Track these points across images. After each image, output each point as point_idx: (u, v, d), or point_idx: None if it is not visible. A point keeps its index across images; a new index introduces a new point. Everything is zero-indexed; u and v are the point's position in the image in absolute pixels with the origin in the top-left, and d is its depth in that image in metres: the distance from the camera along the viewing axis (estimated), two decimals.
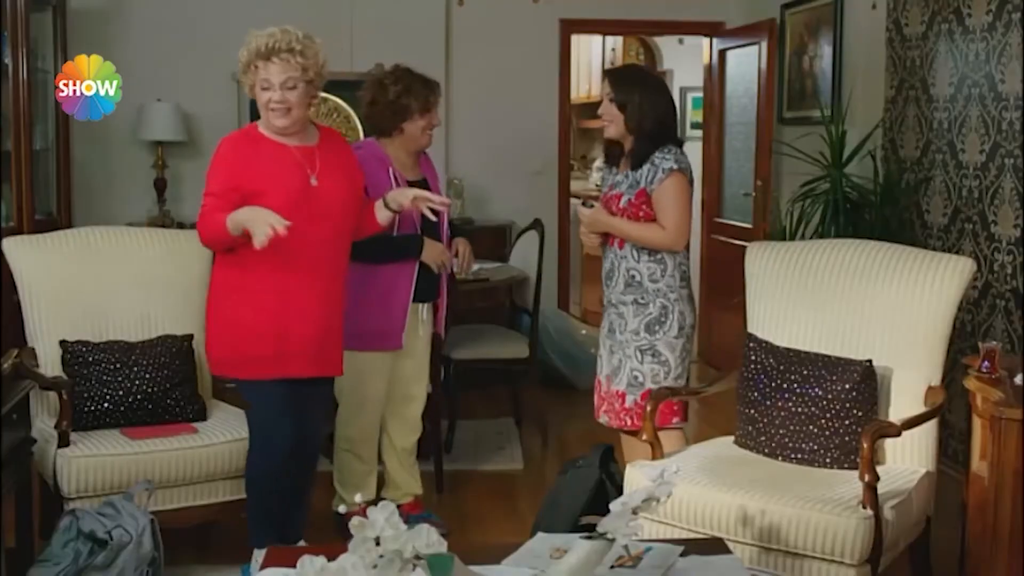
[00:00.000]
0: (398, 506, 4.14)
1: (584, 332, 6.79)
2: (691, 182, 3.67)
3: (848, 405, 3.30)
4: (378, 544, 1.97)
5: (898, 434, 3.20)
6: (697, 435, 3.76)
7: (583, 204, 3.78)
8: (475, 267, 4.55)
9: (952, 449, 4.67)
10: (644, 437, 3.47)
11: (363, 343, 3.88)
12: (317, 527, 3.97)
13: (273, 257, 3.19)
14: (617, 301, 3.72)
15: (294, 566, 2.03)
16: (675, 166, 3.58)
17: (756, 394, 3.46)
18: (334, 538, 3.71)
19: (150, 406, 3.74)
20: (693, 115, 9.13)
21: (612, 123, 3.68)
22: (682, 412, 3.74)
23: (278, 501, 3.47)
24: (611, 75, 3.77)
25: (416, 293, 3.97)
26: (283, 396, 3.36)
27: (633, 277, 3.67)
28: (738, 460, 3.42)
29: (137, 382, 3.74)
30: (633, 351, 3.67)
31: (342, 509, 3.77)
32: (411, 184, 3.87)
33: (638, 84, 3.67)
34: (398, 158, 3.96)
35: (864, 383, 3.31)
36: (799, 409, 3.37)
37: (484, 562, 2.38)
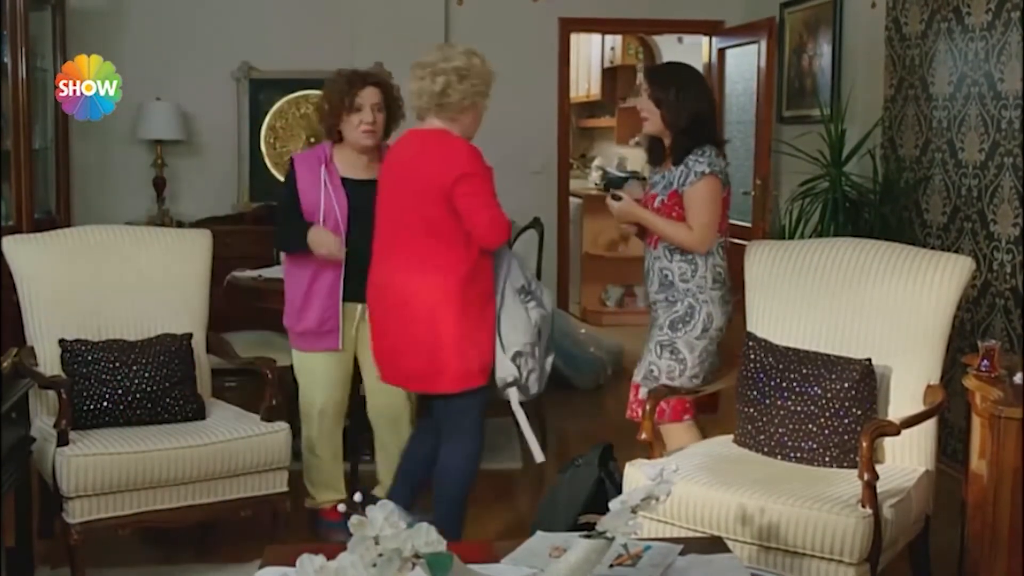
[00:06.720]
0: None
1: (584, 332, 6.78)
2: (725, 184, 3.70)
3: (847, 404, 3.30)
4: (377, 543, 1.97)
5: (897, 433, 3.20)
6: None
7: (611, 197, 3.81)
8: None
9: (951, 448, 4.67)
10: (643, 436, 3.47)
11: (304, 343, 3.96)
12: (296, 526, 3.95)
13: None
14: (653, 300, 3.80)
15: (293, 565, 2.02)
16: (707, 169, 3.61)
17: (755, 393, 3.46)
18: (307, 536, 3.74)
19: (149, 405, 3.74)
20: None
21: (649, 119, 3.73)
22: (692, 409, 3.80)
23: None
24: (649, 72, 3.85)
25: (347, 292, 3.89)
26: None
27: (666, 276, 3.73)
28: (737, 459, 3.41)
29: (136, 381, 3.73)
30: (654, 345, 3.74)
31: (309, 504, 3.79)
32: (358, 184, 3.90)
33: (674, 81, 3.70)
34: (347, 159, 3.96)
35: (863, 382, 3.31)
36: (798, 408, 3.37)
37: (483, 561, 2.37)
